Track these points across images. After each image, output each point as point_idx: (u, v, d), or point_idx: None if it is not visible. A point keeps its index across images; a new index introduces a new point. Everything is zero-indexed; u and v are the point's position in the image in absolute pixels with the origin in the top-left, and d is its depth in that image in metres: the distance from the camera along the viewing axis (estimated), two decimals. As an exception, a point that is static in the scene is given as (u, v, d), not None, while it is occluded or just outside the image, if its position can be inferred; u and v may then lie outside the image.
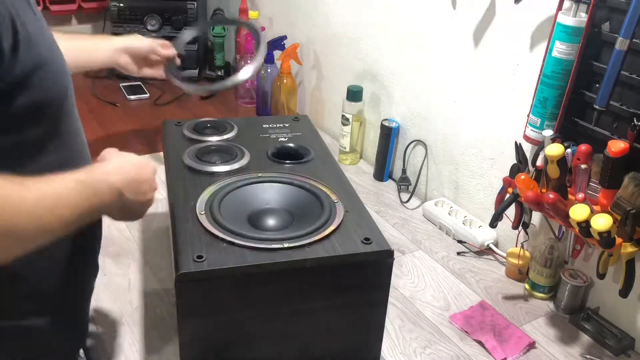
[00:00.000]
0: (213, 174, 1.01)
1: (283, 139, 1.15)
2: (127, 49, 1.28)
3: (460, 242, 1.34)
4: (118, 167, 0.79)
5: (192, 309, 0.83)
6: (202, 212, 0.90)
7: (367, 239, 0.88)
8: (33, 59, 0.70)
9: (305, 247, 0.85)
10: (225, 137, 1.14)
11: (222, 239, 0.85)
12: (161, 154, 1.62)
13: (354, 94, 1.60)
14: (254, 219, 0.94)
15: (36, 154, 0.75)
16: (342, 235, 0.89)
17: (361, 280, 0.89)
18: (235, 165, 1.04)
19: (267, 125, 1.20)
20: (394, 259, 0.89)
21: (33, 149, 0.75)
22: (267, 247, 0.84)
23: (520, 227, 1.16)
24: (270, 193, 0.99)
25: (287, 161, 1.08)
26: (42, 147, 0.76)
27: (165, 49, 1.33)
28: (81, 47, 1.21)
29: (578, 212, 0.94)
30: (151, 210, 1.37)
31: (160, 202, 1.41)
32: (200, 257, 0.81)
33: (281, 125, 1.21)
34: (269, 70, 1.84)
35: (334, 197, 0.97)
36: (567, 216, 0.96)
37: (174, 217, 0.91)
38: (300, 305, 0.88)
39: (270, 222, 0.94)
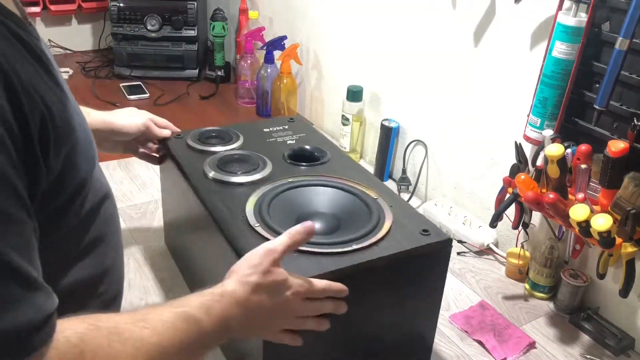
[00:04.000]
0: (242, 184, 0.99)
1: (291, 141, 1.14)
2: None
3: (460, 242, 1.34)
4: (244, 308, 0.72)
5: None
6: (257, 224, 0.89)
7: (425, 230, 0.89)
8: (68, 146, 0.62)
9: (373, 246, 0.85)
10: (233, 145, 1.11)
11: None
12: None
13: (354, 94, 1.60)
14: None
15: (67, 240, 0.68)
16: (400, 230, 0.90)
17: (423, 271, 0.90)
18: (260, 174, 1.01)
19: (268, 129, 1.19)
20: (452, 247, 0.91)
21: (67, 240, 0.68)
22: (340, 250, 0.83)
23: (520, 227, 1.16)
24: (308, 197, 0.98)
25: (306, 163, 1.07)
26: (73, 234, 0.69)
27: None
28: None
29: (578, 212, 0.94)
30: (151, 210, 1.39)
31: (159, 202, 1.41)
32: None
33: (280, 127, 1.20)
34: (269, 70, 1.85)
35: (372, 194, 0.97)
36: (567, 216, 0.96)
37: (227, 233, 0.88)
38: (369, 304, 0.87)
39: (319, 225, 0.92)
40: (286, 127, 1.21)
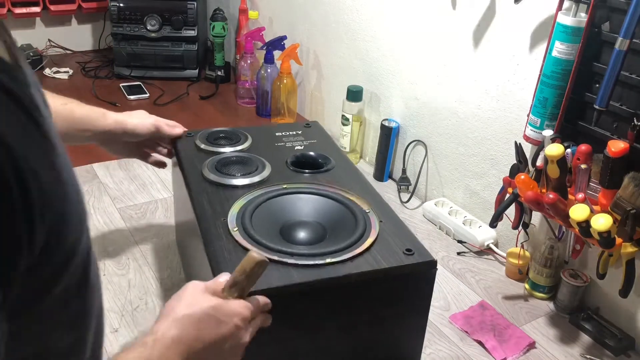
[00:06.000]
0: (236, 187, 0.97)
1: (299, 147, 1.12)
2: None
3: (460, 242, 1.34)
4: (183, 334, 0.66)
5: None
6: (235, 228, 0.86)
7: (408, 250, 0.85)
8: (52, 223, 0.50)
9: (348, 262, 0.82)
10: (240, 147, 1.09)
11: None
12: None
13: (354, 94, 1.60)
14: (286, 232, 0.90)
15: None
16: (383, 247, 0.85)
17: (404, 292, 0.86)
18: (258, 177, 0.99)
19: (280, 134, 1.17)
20: (436, 269, 0.85)
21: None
22: (310, 263, 0.80)
23: (520, 227, 1.16)
24: (299, 205, 0.95)
25: (308, 170, 1.04)
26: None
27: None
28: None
29: (578, 212, 0.94)
30: (151, 210, 1.39)
31: (159, 202, 1.42)
32: None
33: (294, 132, 1.18)
34: (269, 70, 1.85)
35: (365, 207, 0.93)
36: (567, 216, 0.96)
37: (205, 234, 0.87)
38: (343, 321, 0.84)
39: (303, 235, 0.89)
40: (299, 132, 1.18)
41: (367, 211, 0.93)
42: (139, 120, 1.11)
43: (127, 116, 1.11)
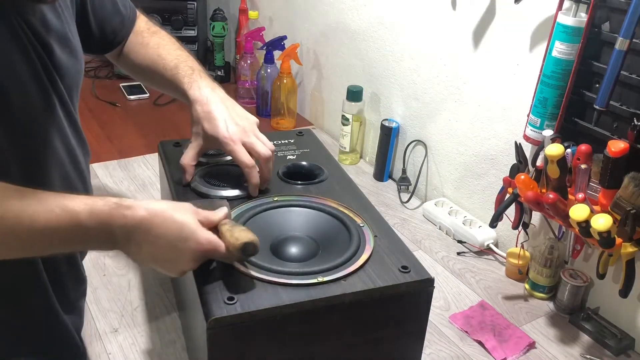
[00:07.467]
0: (225, 199, 0.92)
1: (292, 157, 1.09)
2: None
3: (460, 242, 1.34)
4: (150, 243, 0.72)
5: (224, 357, 0.75)
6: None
7: (404, 267, 0.82)
8: None
9: (341, 280, 0.79)
10: (230, 157, 1.03)
11: (251, 276, 0.78)
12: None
13: (354, 94, 1.60)
14: (276, 248, 0.87)
15: None
16: (377, 264, 0.82)
17: (399, 311, 0.83)
18: (246, 190, 0.96)
19: (272, 142, 1.11)
20: (434, 287, 0.82)
21: None
22: (302, 282, 0.77)
23: (520, 227, 1.17)
24: (290, 219, 0.92)
25: (301, 182, 1.01)
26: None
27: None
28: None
29: (578, 212, 0.94)
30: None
31: (160, 202, 1.42)
32: (231, 298, 0.74)
33: (285, 141, 1.15)
34: (269, 70, 1.85)
35: (359, 221, 0.91)
36: (567, 216, 0.96)
37: None
38: (335, 344, 0.81)
39: (295, 251, 0.87)
40: (292, 141, 1.16)
41: (361, 225, 0.90)
42: (224, 120, 0.96)
43: (217, 103, 1.00)
